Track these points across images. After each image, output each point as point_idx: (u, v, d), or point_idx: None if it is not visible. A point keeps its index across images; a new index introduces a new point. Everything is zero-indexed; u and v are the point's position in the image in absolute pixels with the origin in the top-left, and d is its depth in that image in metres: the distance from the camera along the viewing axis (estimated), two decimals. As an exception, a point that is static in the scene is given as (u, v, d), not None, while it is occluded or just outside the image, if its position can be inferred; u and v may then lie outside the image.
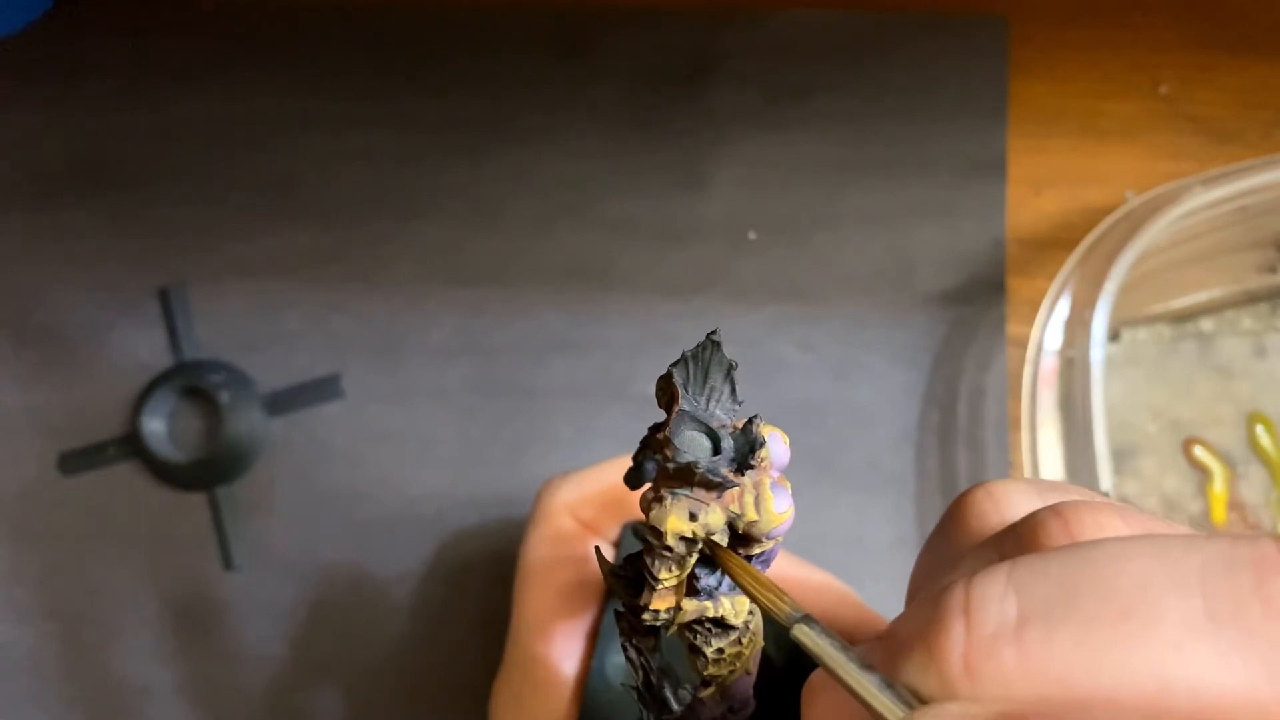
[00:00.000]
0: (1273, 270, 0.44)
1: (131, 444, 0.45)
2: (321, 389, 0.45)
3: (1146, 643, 0.13)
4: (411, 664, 0.42)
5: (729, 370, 0.19)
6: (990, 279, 0.44)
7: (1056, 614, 0.14)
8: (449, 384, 0.45)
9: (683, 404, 0.19)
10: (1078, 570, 0.14)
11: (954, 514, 0.19)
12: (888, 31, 0.49)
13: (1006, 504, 0.18)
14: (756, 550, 0.20)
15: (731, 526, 0.19)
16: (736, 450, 0.19)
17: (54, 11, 0.53)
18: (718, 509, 0.19)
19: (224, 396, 0.44)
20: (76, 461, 0.45)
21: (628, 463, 0.21)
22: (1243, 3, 0.48)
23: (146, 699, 0.43)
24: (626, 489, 0.21)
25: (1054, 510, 0.16)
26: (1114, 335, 0.43)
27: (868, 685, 0.15)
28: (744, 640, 0.21)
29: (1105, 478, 0.35)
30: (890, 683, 0.15)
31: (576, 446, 0.44)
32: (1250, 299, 0.44)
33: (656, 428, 0.20)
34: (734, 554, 0.19)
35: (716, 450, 0.19)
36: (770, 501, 0.19)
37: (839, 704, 0.15)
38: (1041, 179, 0.46)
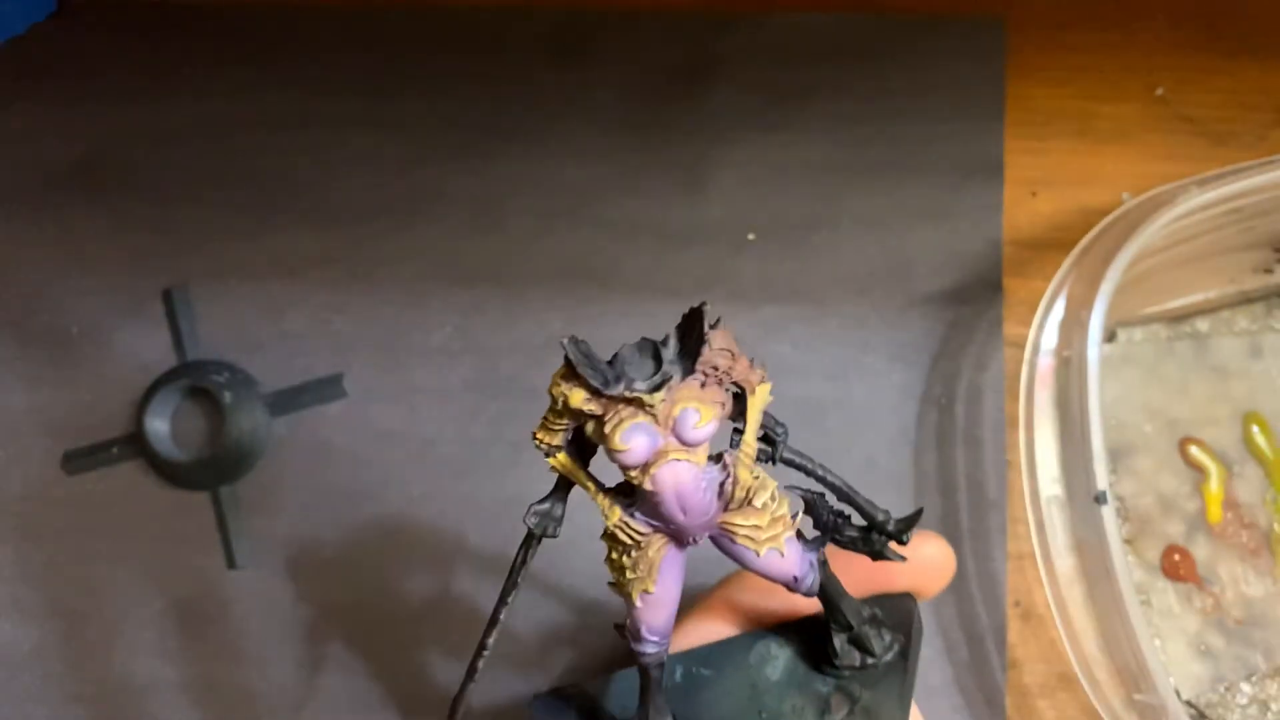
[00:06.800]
0: (1268, 271, 0.44)
1: (135, 443, 0.45)
2: (324, 389, 0.45)
3: None
4: (413, 662, 0.42)
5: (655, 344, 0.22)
6: (987, 280, 0.45)
7: None
8: (451, 384, 0.45)
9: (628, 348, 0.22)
10: None
11: None
12: (886, 34, 0.49)
13: None
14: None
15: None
16: (678, 351, 0.22)
17: (58, 13, 0.54)
18: (580, 393, 0.21)
19: (227, 396, 0.44)
20: (80, 461, 0.46)
21: None
22: (1239, 5, 0.48)
23: (149, 697, 0.43)
24: (770, 587, 0.25)
25: None
26: (1110, 335, 0.44)
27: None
28: (616, 553, 0.24)
29: (1101, 477, 0.36)
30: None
31: (577, 446, 0.44)
32: (1246, 299, 0.44)
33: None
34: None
35: (658, 363, 0.21)
36: (620, 434, 0.21)
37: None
38: (1038, 180, 0.46)
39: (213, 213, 0.49)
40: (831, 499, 0.26)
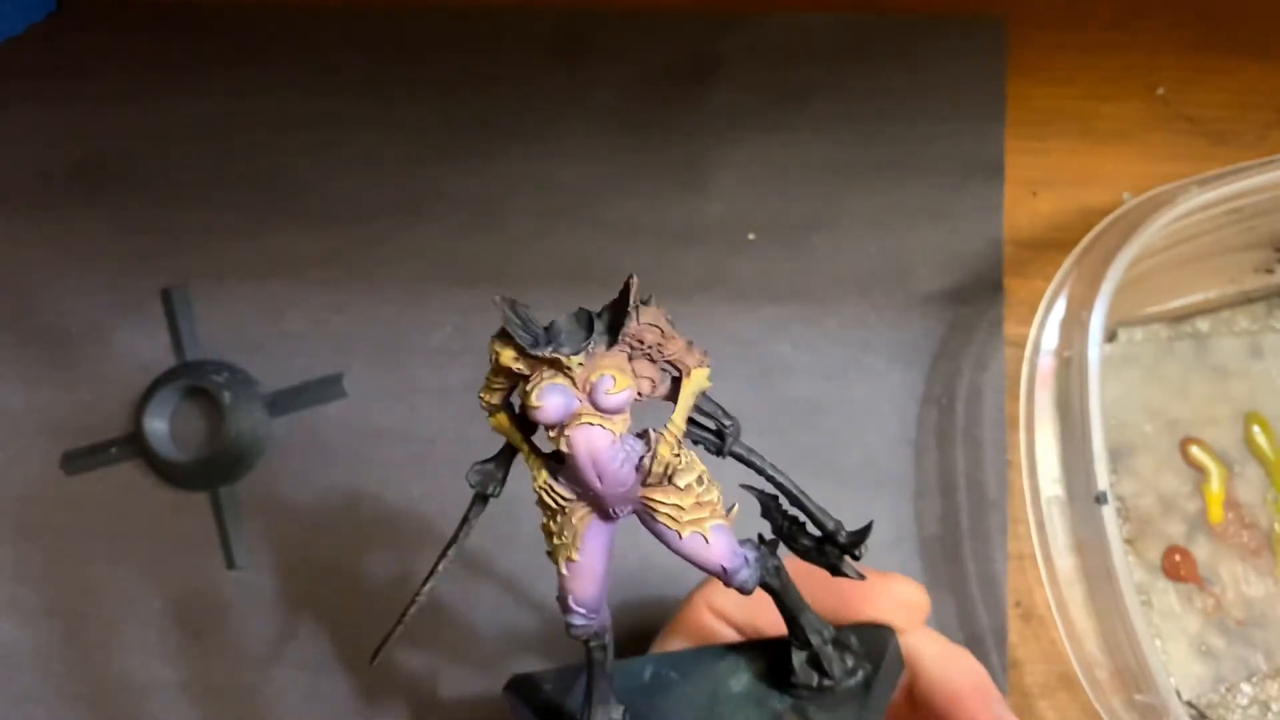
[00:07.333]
0: (1269, 271, 0.44)
1: (134, 443, 0.45)
2: (323, 389, 0.45)
3: None
4: (413, 662, 0.42)
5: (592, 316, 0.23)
6: (988, 279, 0.45)
7: None
8: (451, 384, 0.45)
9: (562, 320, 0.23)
10: None
11: None
12: (886, 34, 0.49)
13: None
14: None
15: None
16: (608, 323, 0.23)
17: (57, 13, 0.54)
18: (509, 352, 0.23)
19: (226, 396, 0.44)
20: (79, 461, 0.46)
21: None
22: (1239, 5, 0.48)
23: (148, 697, 0.43)
24: (759, 607, 0.26)
25: None
26: (1111, 335, 0.44)
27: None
28: (546, 518, 0.25)
29: (1102, 477, 0.36)
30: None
31: (577, 446, 0.44)
32: (1246, 299, 0.44)
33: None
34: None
35: (590, 333, 0.22)
36: (537, 392, 0.22)
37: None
38: (1039, 180, 0.46)
39: (213, 213, 0.49)
40: (786, 503, 0.26)
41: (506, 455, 0.26)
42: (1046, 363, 0.39)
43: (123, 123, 0.51)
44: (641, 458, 0.24)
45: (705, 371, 0.24)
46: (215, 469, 0.44)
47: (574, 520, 0.24)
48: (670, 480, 0.24)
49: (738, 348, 0.45)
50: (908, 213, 0.46)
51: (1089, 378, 0.37)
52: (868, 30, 0.49)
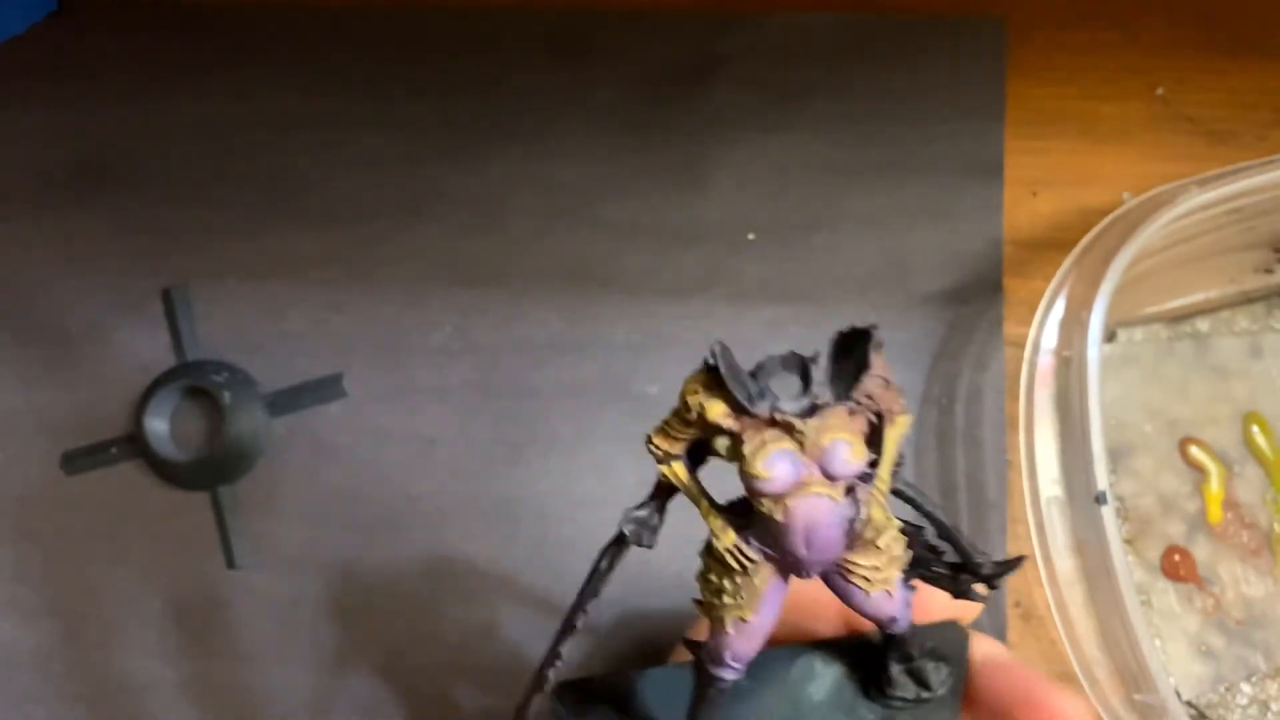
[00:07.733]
0: (1269, 271, 0.44)
1: (134, 443, 0.45)
2: (323, 389, 0.45)
3: None
4: (413, 663, 0.42)
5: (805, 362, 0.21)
6: (987, 279, 0.45)
7: None
8: (450, 384, 0.45)
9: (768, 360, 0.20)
10: None
11: None
12: (886, 34, 0.49)
13: None
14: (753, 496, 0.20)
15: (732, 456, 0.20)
16: (832, 373, 0.20)
17: (58, 13, 0.54)
18: (719, 406, 0.20)
19: (226, 396, 0.44)
20: (79, 461, 0.46)
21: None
22: (1239, 5, 0.48)
23: (148, 697, 0.43)
24: (810, 602, 0.24)
25: None
26: (1110, 335, 0.44)
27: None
28: (717, 575, 0.22)
29: (1101, 477, 0.36)
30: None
31: (576, 447, 0.44)
32: (1246, 299, 0.44)
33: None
34: (696, 482, 0.22)
35: (806, 381, 0.20)
36: (764, 460, 0.19)
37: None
38: (1038, 180, 0.46)
39: (213, 213, 0.49)
40: (929, 534, 0.25)
41: (662, 499, 0.23)
42: (1046, 363, 0.39)
43: (123, 123, 0.51)
44: (851, 521, 0.21)
45: (909, 418, 0.21)
46: (215, 469, 0.44)
47: (756, 581, 0.22)
48: (874, 542, 0.22)
49: (738, 348, 0.44)
50: (907, 213, 0.46)
51: (1089, 378, 0.37)
52: (868, 30, 0.49)
